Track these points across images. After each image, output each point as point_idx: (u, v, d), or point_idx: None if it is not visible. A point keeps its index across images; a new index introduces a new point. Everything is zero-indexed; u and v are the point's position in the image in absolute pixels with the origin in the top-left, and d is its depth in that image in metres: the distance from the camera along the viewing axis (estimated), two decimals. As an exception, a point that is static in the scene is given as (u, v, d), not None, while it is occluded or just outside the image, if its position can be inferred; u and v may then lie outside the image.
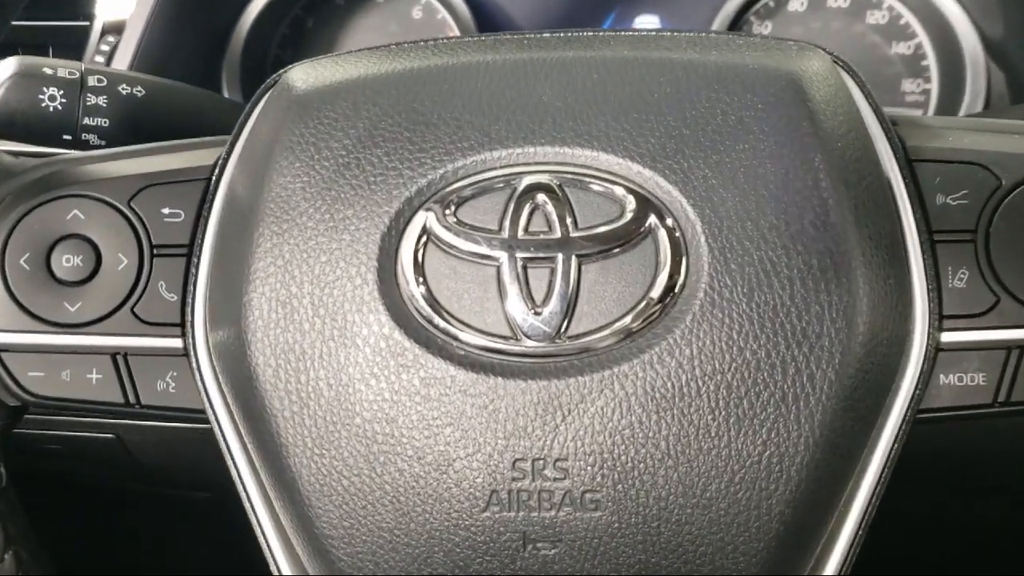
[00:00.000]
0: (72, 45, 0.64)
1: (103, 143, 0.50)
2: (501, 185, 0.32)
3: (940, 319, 0.33)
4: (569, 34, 0.37)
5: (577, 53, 0.34)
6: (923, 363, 0.33)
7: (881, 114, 0.35)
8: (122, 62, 0.61)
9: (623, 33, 0.37)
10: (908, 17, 0.69)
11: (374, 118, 0.33)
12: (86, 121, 0.49)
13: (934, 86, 0.69)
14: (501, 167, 0.32)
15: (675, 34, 0.36)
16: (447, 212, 0.32)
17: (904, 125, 0.36)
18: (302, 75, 0.36)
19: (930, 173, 0.34)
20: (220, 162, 0.37)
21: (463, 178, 0.32)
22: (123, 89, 0.50)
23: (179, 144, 0.40)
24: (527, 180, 0.32)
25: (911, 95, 0.70)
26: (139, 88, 0.50)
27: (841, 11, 0.70)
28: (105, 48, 0.63)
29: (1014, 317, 0.33)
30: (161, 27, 0.62)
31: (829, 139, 0.32)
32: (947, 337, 0.33)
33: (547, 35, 0.37)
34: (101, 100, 0.49)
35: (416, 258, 0.32)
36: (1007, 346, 0.33)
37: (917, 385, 0.33)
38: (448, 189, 0.32)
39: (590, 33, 0.37)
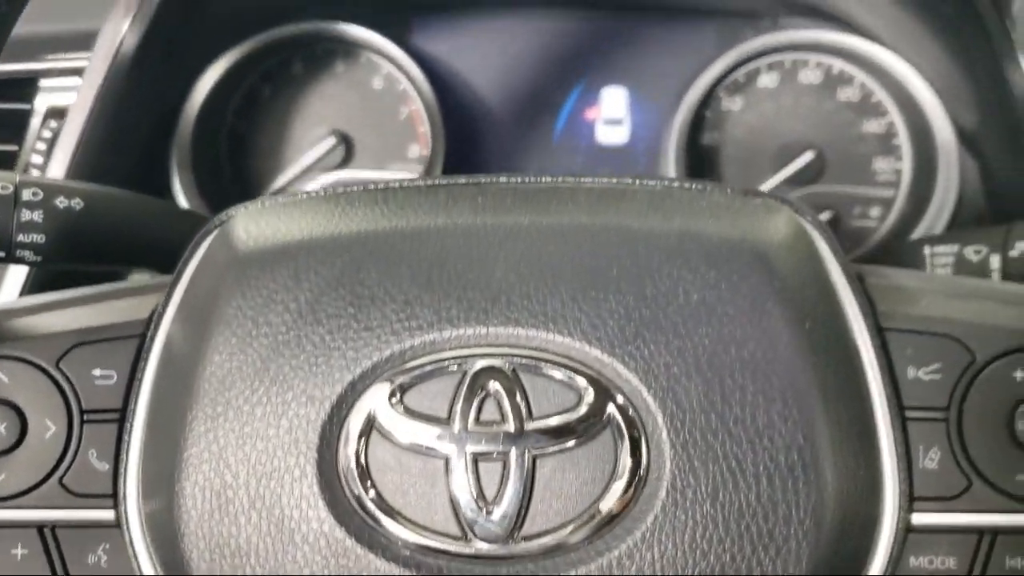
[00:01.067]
0: (13, 128, 0.61)
1: (39, 259, 0.48)
2: (452, 369, 0.30)
3: (911, 501, 0.32)
4: (526, 183, 0.36)
5: (533, 218, 0.33)
6: (893, 546, 0.32)
7: (851, 274, 0.34)
8: (66, 147, 0.59)
9: (583, 185, 0.35)
10: (881, 95, 0.69)
11: (316, 290, 0.32)
12: (20, 238, 0.47)
13: (906, 166, 0.69)
14: (451, 348, 0.31)
15: (637, 188, 0.35)
16: (393, 399, 0.30)
17: (874, 285, 0.35)
18: (243, 228, 0.35)
19: (901, 343, 0.33)
20: (155, 317, 0.35)
21: (411, 360, 0.31)
22: (60, 202, 0.48)
23: (113, 291, 0.38)
24: (479, 364, 0.30)
25: (883, 174, 0.70)
26: (77, 200, 0.48)
27: (813, 87, 0.69)
28: (47, 134, 0.60)
29: (987, 502, 0.31)
30: (108, 108, 0.59)
31: (797, 318, 0.31)
32: (918, 519, 0.32)
33: (503, 183, 0.36)
34: (36, 215, 0.47)
35: (359, 450, 0.30)
36: (979, 531, 0.32)
37: (887, 568, 0.32)
38: (395, 372, 0.30)
39: (548, 183, 0.36)
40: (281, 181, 0.72)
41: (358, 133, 0.72)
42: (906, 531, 0.32)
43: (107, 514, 0.34)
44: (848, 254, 0.72)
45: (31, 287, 0.57)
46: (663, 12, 0.70)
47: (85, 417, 0.34)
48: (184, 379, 0.32)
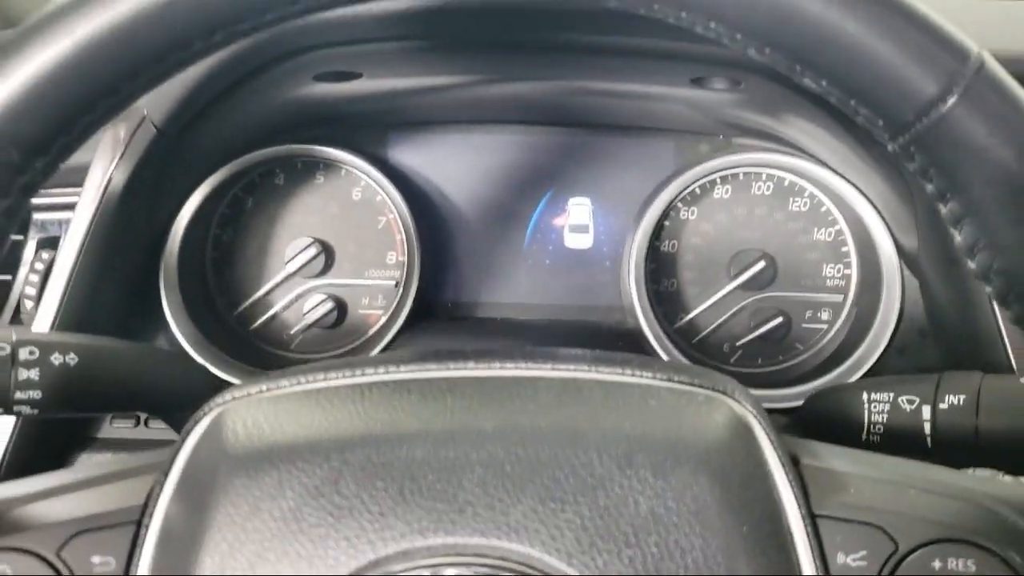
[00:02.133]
0: (7, 259, 0.63)
1: (35, 412, 0.50)
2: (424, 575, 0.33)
3: None
4: (493, 375, 0.38)
5: (497, 422, 0.35)
6: None
7: (786, 459, 0.37)
8: (60, 277, 0.60)
9: (544, 378, 0.38)
10: (829, 205, 0.72)
11: (299, 499, 0.34)
12: (18, 395, 0.49)
13: (854, 272, 0.72)
14: (422, 557, 0.33)
15: (594, 383, 0.37)
16: None
17: (807, 468, 0.37)
18: (231, 427, 0.37)
19: (831, 530, 0.35)
20: (149, 504, 0.37)
21: (385, 567, 0.33)
22: (55, 359, 0.50)
23: (108, 475, 0.40)
24: (447, 572, 0.33)
25: (832, 280, 0.72)
26: (72, 356, 0.50)
27: (764, 197, 0.72)
28: (40, 265, 0.62)
29: None
30: (99, 239, 0.61)
31: (736, 523, 0.33)
32: None
33: (470, 376, 0.38)
34: (33, 373, 0.49)
35: None
36: None
37: None
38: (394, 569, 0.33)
39: (512, 375, 0.38)
40: (262, 291, 0.74)
41: (338, 241, 0.75)
42: None
43: None
44: (798, 356, 0.74)
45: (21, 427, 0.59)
46: (625, 129, 0.73)
47: None
48: (182, 560, 0.34)
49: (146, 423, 0.65)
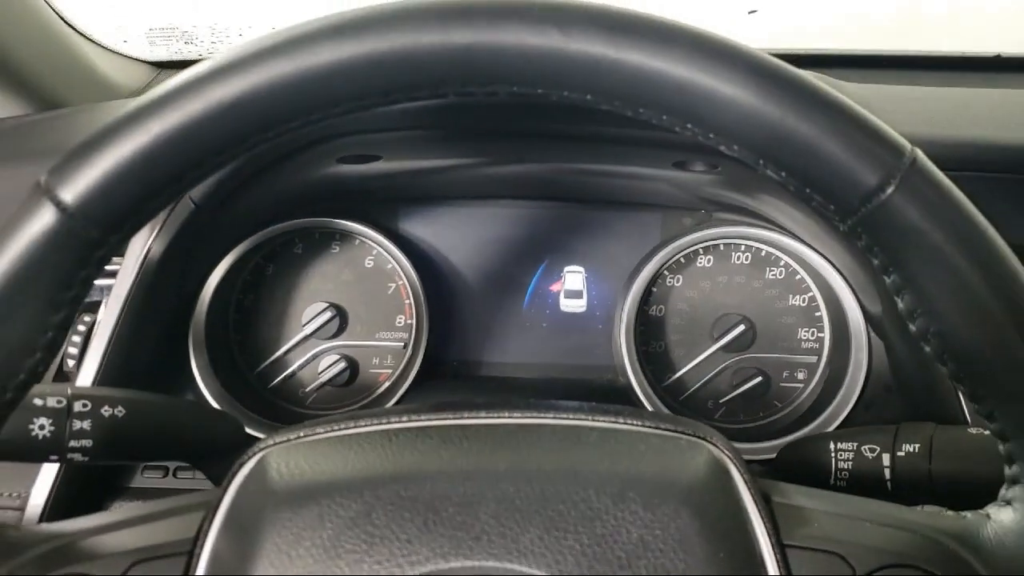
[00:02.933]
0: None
1: (86, 459, 0.55)
2: None
3: None
4: (502, 422, 0.44)
5: (507, 463, 0.40)
6: None
7: (758, 496, 0.42)
8: (101, 339, 0.65)
9: (547, 425, 0.43)
10: (803, 274, 0.77)
11: (337, 529, 0.39)
12: (72, 444, 0.54)
13: (827, 336, 0.77)
14: None
15: (592, 429, 0.43)
16: None
17: (778, 505, 0.42)
18: (275, 467, 0.42)
19: (798, 557, 0.40)
20: (200, 536, 0.42)
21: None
22: (105, 411, 0.55)
23: (162, 511, 0.44)
24: (468, 591, 0.37)
25: (807, 342, 0.78)
26: (120, 408, 0.55)
27: (744, 266, 0.78)
28: (81, 328, 0.67)
29: None
30: (136, 305, 0.66)
31: (714, 551, 0.38)
32: None
33: (483, 424, 0.43)
34: (85, 424, 0.54)
35: None
36: None
37: None
38: None
39: (518, 422, 0.44)
40: (281, 351, 0.79)
41: (351, 306, 0.80)
42: None
43: None
44: (777, 412, 0.79)
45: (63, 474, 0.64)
46: (615, 204, 0.79)
47: None
48: None
49: (175, 474, 0.70)
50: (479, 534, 0.38)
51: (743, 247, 0.78)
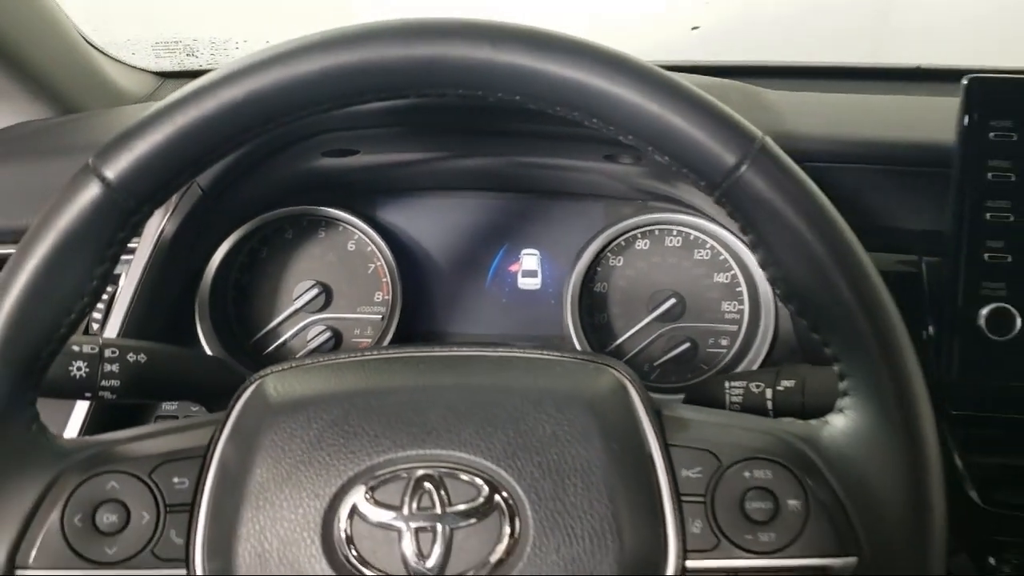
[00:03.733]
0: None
1: (114, 397, 0.65)
2: (403, 476, 0.48)
3: (685, 553, 0.50)
4: (450, 353, 0.55)
5: (454, 380, 0.52)
6: None
7: (650, 410, 0.53)
8: (122, 305, 0.76)
9: (488, 355, 0.55)
10: (726, 255, 0.89)
11: (321, 429, 0.50)
12: (103, 383, 0.64)
13: (745, 308, 0.89)
14: (402, 464, 0.49)
15: (521, 358, 0.54)
16: (367, 495, 0.48)
17: (667, 417, 0.53)
18: (273, 387, 0.53)
19: (679, 453, 0.51)
20: (213, 443, 0.53)
21: (378, 471, 0.49)
22: (130, 357, 0.66)
23: (183, 425, 0.55)
24: (419, 472, 0.48)
25: (728, 313, 0.89)
26: (142, 355, 0.66)
27: (675, 248, 0.89)
28: (105, 296, 0.78)
29: (729, 552, 0.50)
30: (151, 277, 0.77)
31: (611, 439, 0.49)
32: (690, 563, 0.50)
33: (435, 355, 0.55)
34: (114, 367, 0.65)
35: (347, 527, 0.48)
36: (726, 571, 0.50)
37: None
38: (368, 479, 0.48)
39: (464, 354, 0.55)
40: (274, 323, 0.90)
41: (335, 283, 0.91)
42: (683, 571, 0.50)
43: (181, 571, 0.51)
44: (703, 374, 0.91)
45: (93, 412, 0.74)
46: (564, 194, 0.90)
47: (168, 509, 0.51)
48: (234, 484, 0.50)
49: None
50: (430, 430, 0.49)
51: (675, 231, 0.89)
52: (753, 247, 0.51)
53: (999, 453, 0.71)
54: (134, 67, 1.11)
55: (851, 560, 0.49)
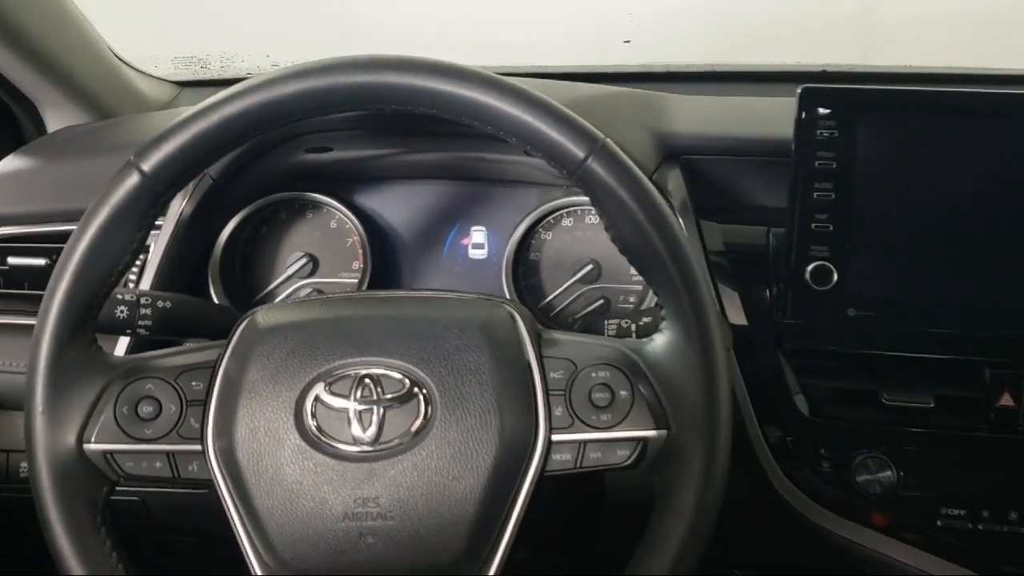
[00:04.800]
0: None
1: (147, 334, 0.86)
2: (351, 375, 0.68)
3: (550, 429, 0.70)
4: (388, 295, 0.75)
5: (391, 312, 0.72)
6: (543, 449, 0.68)
7: (532, 333, 0.72)
8: (151, 268, 0.96)
9: (412, 295, 0.75)
10: (632, 230, 1.08)
11: (293, 345, 0.69)
12: (139, 323, 0.85)
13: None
14: (351, 368, 0.68)
15: (440, 298, 0.74)
16: (326, 389, 0.68)
17: (543, 339, 0.73)
18: (262, 318, 0.73)
19: (548, 362, 0.70)
20: (219, 359, 0.73)
21: (333, 372, 0.69)
22: (160, 304, 0.86)
23: (198, 347, 0.75)
24: (362, 372, 0.68)
25: (635, 276, 1.08)
26: (168, 302, 0.86)
27: (593, 224, 1.06)
28: (138, 264, 0.99)
29: (580, 429, 0.70)
30: (173, 248, 0.97)
31: (500, 351, 0.69)
32: (554, 437, 0.68)
33: (377, 297, 0.75)
34: (147, 311, 0.85)
35: (312, 411, 0.68)
36: (577, 441, 0.70)
37: (541, 459, 0.69)
38: (326, 378, 0.69)
39: (397, 295, 0.75)
40: (272, 285, 1.10)
41: (320, 254, 1.09)
42: (548, 443, 0.70)
43: (198, 447, 0.71)
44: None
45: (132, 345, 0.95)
46: (507, 182, 1.06)
47: (188, 403, 0.70)
48: (233, 385, 0.69)
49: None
50: (370, 345, 0.69)
51: (593, 211, 1.09)
52: (600, 217, 0.72)
53: (824, 377, 0.91)
54: (157, 78, 1.31)
55: (663, 432, 0.68)
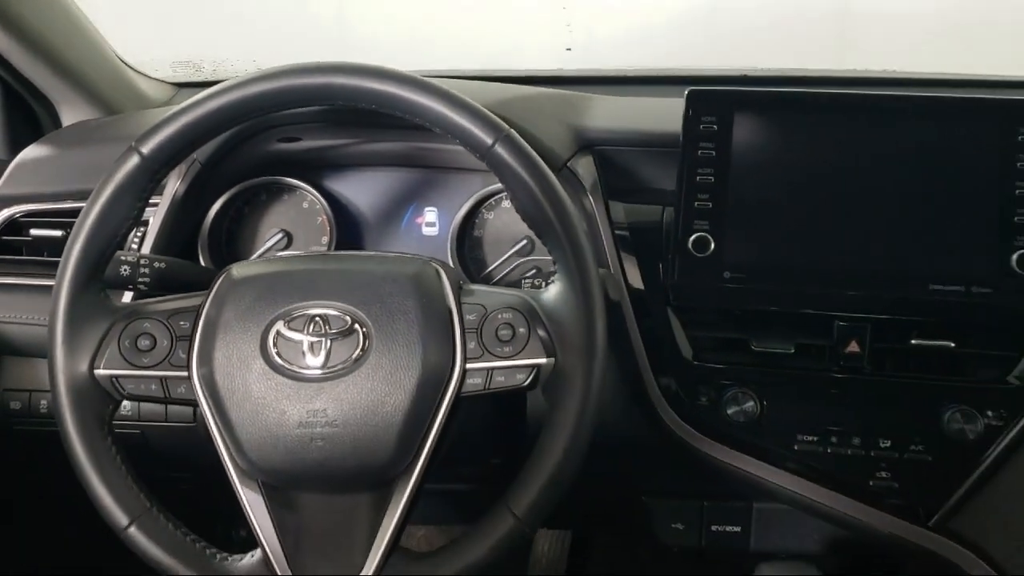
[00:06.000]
0: (121, 231, 1.17)
1: (146, 289, 1.03)
2: (304, 315, 0.85)
3: (465, 359, 0.86)
4: (336, 254, 0.93)
5: (336, 267, 0.90)
6: (459, 375, 0.82)
7: (453, 284, 0.89)
8: (150, 238, 1.13)
9: (354, 254, 0.92)
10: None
11: (259, 291, 0.86)
12: (139, 280, 1.02)
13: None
14: (304, 309, 0.85)
15: (379, 256, 0.92)
16: (285, 326, 0.85)
17: (463, 289, 0.90)
18: (236, 272, 0.90)
19: (465, 307, 0.85)
20: (202, 304, 0.90)
21: (292, 313, 0.85)
22: (156, 264, 1.03)
23: (188, 296, 0.92)
24: (313, 312, 0.85)
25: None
26: (163, 264, 1.03)
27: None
28: (137, 236, 1.16)
29: (488, 359, 0.86)
30: (168, 222, 1.14)
31: (425, 295, 0.86)
32: (468, 366, 0.86)
33: (328, 255, 0.92)
34: (146, 270, 1.01)
35: (274, 342, 0.85)
36: (486, 368, 0.86)
37: (457, 382, 0.83)
38: (285, 317, 0.85)
39: (343, 253, 0.93)
40: (253, 257, 1.27)
41: (294, 230, 1.23)
42: (463, 370, 0.85)
43: (185, 373, 0.86)
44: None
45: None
46: (455, 169, 1.20)
47: (177, 339, 0.86)
48: (213, 324, 0.85)
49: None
50: (321, 292, 0.84)
51: (527, 194, 1.25)
52: (505, 190, 0.89)
53: (705, 329, 1.08)
54: (156, 79, 1.49)
55: (552, 360, 0.84)
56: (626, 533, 1.51)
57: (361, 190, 1.22)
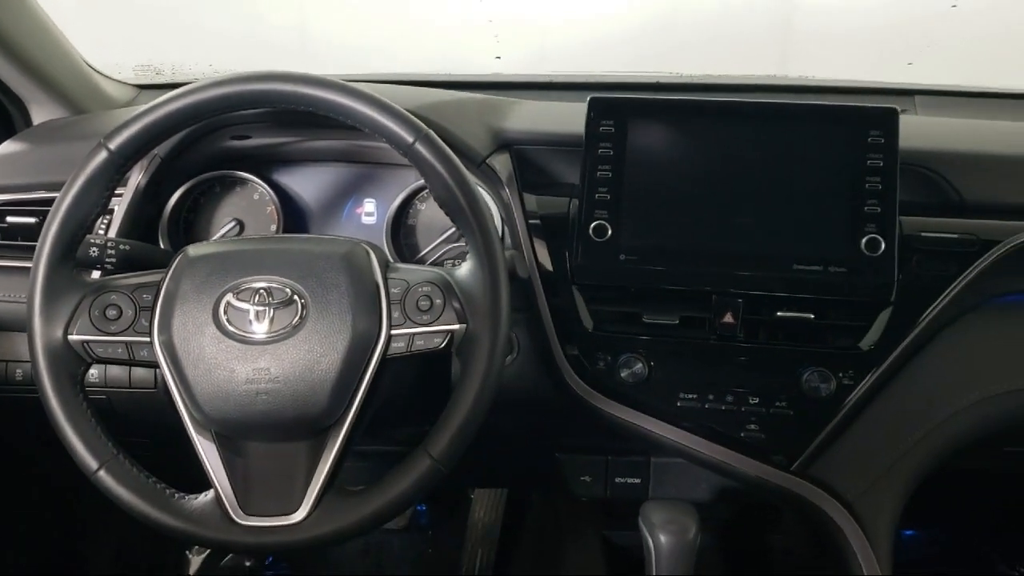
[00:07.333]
0: (88, 218, 1.29)
1: (113, 269, 1.16)
2: (251, 288, 0.98)
3: (390, 326, 1.01)
4: (277, 236, 1.06)
5: (279, 246, 1.03)
6: (385, 339, 0.96)
7: (380, 262, 1.03)
8: (115, 224, 1.26)
9: (298, 236, 1.06)
10: (486, 201, 1.40)
11: (211, 268, 0.99)
12: (107, 260, 1.14)
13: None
14: (251, 283, 0.98)
15: (320, 239, 1.05)
16: (233, 296, 0.98)
17: (389, 266, 1.04)
18: (192, 251, 1.03)
19: (390, 282, 1.00)
20: (162, 280, 1.03)
21: (240, 287, 0.99)
22: (122, 247, 1.15)
23: (150, 272, 1.04)
24: (258, 285, 0.98)
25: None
26: (127, 247, 1.16)
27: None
28: (105, 221, 1.28)
29: (410, 326, 1.01)
30: (132, 210, 1.27)
31: (354, 273, 1.00)
32: (393, 332, 1.01)
33: (272, 237, 1.06)
34: (112, 252, 1.14)
35: (224, 310, 0.98)
36: (408, 334, 1.01)
37: (383, 346, 0.97)
38: (235, 289, 0.99)
39: (284, 235, 1.06)
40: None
41: (246, 219, 1.36)
42: (389, 336, 1.00)
43: (147, 339, 0.99)
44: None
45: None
46: (392, 165, 1.34)
47: (140, 309, 0.98)
48: (171, 296, 0.99)
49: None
50: (265, 268, 0.97)
51: (456, 188, 1.40)
52: (425, 183, 1.03)
53: (603, 304, 1.23)
54: (120, 81, 1.60)
55: (463, 326, 0.99)
56: (544, 488, 1.67)
57: (306, 183, 1.33)
